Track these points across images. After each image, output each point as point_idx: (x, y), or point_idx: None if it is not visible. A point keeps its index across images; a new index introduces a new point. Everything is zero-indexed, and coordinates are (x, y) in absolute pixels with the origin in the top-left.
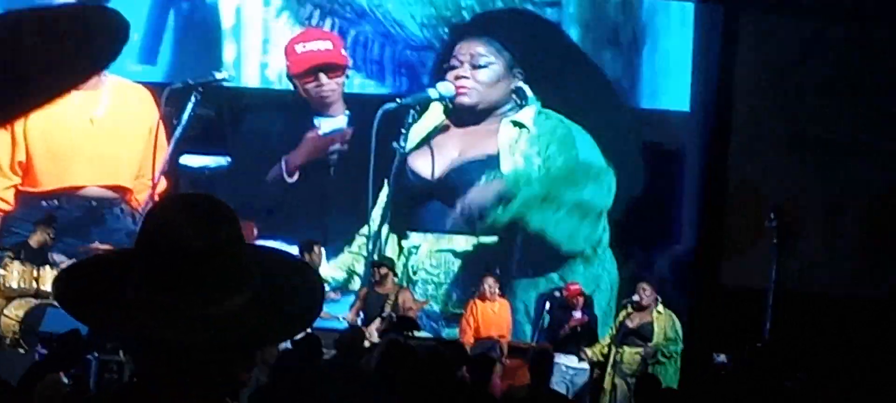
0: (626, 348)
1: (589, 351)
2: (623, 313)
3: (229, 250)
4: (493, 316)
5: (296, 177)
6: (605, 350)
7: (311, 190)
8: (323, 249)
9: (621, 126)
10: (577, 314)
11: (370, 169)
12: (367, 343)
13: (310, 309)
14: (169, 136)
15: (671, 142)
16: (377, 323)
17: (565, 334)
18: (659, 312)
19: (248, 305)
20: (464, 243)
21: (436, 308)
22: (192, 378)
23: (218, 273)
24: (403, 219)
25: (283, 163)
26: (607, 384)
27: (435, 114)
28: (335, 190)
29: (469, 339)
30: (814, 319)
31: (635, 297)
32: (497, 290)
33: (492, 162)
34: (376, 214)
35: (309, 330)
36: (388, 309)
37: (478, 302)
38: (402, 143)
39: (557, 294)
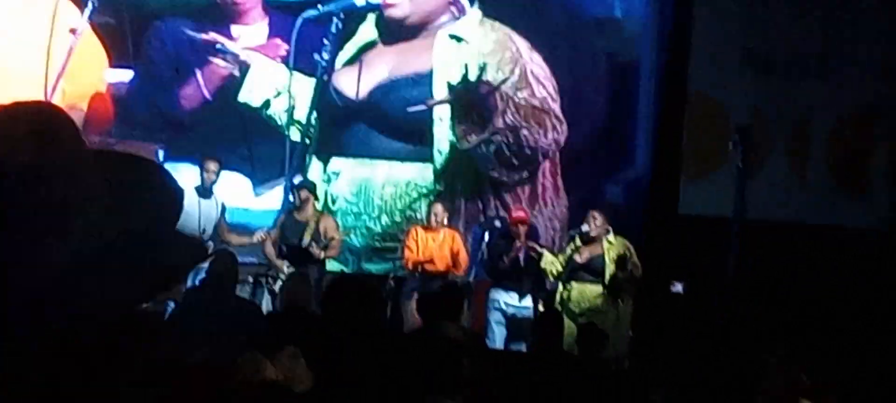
0: (574, 284)
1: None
2: (571, 245)
3: (68, 167)
4: (433, 247)
5: (213, 93)
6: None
7: (231, 107)
8: (221, 170)
9: (571, 37)
10: (519, 245)
11: (289, 83)
12: (283, 276)
13: (163, 225)
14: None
15: (624, 55)
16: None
17: (504, 267)
18: (610, 242)
19: (93, 227)
20: (388, 170)
21: (356, 241)
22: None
23: (56, 193)
24: (325, 143)
25: (199, 76)
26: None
27: (366, 30)
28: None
29: (411, 266)
30: (780, 249)
31: (584, 227)
32: (444, 220)
33: (423, 80)
34: (296, 135)
35: (218, 267)
36: (307, 237)
37: (420, 229)
38: (325, 55)
39: (498, 222)
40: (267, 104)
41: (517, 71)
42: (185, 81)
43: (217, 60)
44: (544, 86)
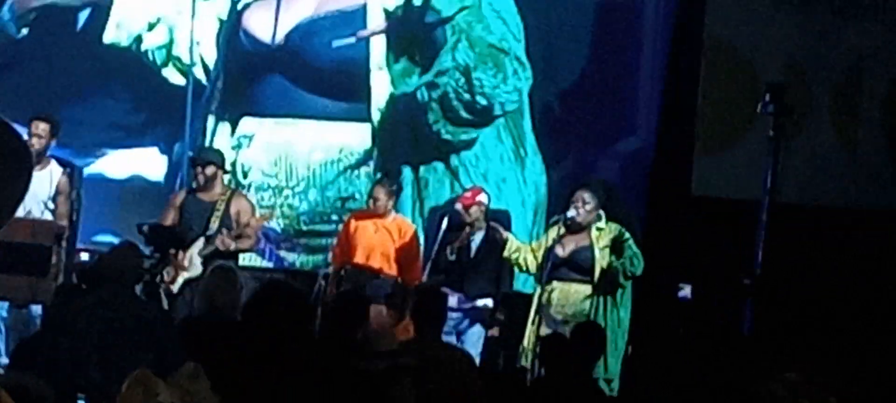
0: (556, 284)
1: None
2: (552, 233)
3: None
4: (374, 237)
5: (26, 28)
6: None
7: (57, 46)
8: (57, 131)
9: None
10: (477, 235)
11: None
12: (185, 273)
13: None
14: None
15: None
16: (199, 244)
17: (448, 261)
18: (599, 228)
19: None
20: (317, 131)
21: (276, 225)
22: None
23: None
24: (232, 98)
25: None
26: (529, 338)
27: None
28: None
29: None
30: (821, 241)
31: (570, 212)
32: (388, 204)
33: (355, 16)
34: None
35: (116, 261)
36: (215, 223)
37: (354, 219)
38: None
39: (459, 206)
40: (138, 40)
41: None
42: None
43: None
44: (505, 22)
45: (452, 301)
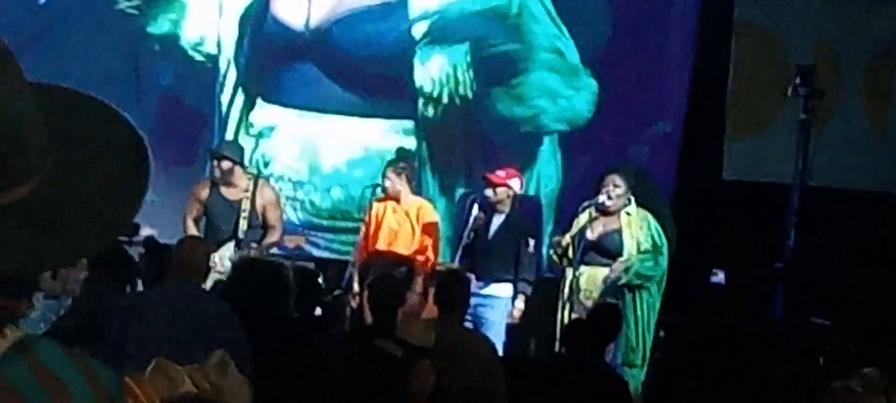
0: (585, 269)
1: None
2: (583, 218)
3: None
4: (393, 222)
5: None
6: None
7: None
8: None
9: None
10: (497, 218)
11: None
12: (214, 274)
13: (130, 198)
14: None
15: None
16: (230, 247)
17: (467, 244)
18: (628, 213)
19: (33, 200)
20: (344, 129)
21: (294, 218)
22: None
23: None
24: (256, 86)
25: None
26: (561, 324)
27: None
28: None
29: (362, 256)
30: (855, 226)
31: (600, 197)
32: (399, 183)
33: (396, 10)
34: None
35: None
36: (243, 224)
37: (377, 204)
38: None
39: (488, 188)
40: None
41: None
42: None
43: None
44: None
45: (475, 286)
